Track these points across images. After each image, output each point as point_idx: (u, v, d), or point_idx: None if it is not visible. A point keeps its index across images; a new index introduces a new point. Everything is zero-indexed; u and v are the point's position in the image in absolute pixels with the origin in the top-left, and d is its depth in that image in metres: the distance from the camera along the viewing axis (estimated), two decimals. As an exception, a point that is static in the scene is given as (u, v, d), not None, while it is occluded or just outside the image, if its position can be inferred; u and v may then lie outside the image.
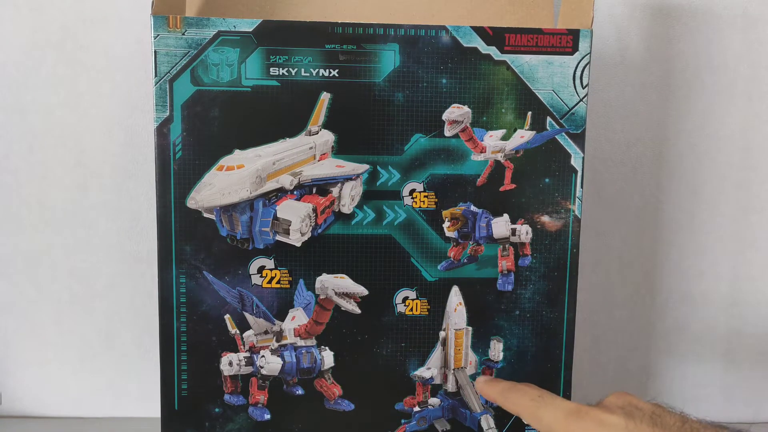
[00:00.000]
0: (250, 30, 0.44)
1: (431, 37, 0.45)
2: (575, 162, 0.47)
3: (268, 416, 0.48)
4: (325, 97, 0.45)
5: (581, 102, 0.47)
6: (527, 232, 0.47)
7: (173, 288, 0.46)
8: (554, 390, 0.49)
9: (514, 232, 0.47)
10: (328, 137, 0.46)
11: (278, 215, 0.46)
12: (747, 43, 0.62)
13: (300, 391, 0.48)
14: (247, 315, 0.47)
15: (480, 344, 0.49)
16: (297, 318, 0.47)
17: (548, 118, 0.47)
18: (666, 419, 0.35)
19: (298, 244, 0.46)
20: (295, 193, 0.46)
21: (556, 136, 0.47)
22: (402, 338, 0.48)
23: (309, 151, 0.46)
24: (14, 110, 0.59)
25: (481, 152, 0.47)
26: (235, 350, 0.47)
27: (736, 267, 0.65)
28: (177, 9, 0.47)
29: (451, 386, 0.49)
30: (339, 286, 0.47)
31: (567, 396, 0.49)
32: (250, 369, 0.47)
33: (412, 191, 0.47)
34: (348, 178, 0.46)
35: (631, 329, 0.65)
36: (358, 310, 0.47)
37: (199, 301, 0.46)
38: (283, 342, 0.47)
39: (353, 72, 0.45)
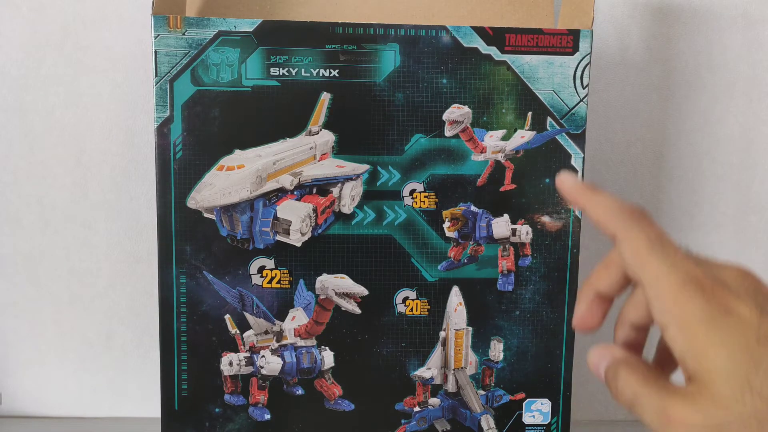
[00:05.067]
0: (251, 30, 0.44)
1: (431, 37, 0.45)
2: (575, 162, 0.47)
3: (268, 416, 0.48)
4: (325, 97, 0.45)
5: (581, 102, 0.47)
6: (527, 233, 0.47)
7: (173, 288, 0.46)
8: (554, 390, 0.49)
9: (514, 232, 0.47)
10: (328, 137, 0.46)
11: (278, 215, 0.46)
12: (747, 43, 0.62)
13: (300, 391, 0.48)
14: (247, 315, 0.47)
15: (480, 344, 0.49)
16: (297, 318, 0.47)
17: (548, 119, 0.47)
18: None
19: (299, 244, 0.46)
20: (295, 193, 0.46)
21: (556, 137, 0.47)
22: (402, 338, 0.48)
23: (309, 151, 0.46)
24: (14, 110, 0.59)
25: (482, 152, 0.47)
26: (235, 350, 0.47)
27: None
28: (177, 9, 0.47)
29: (451, 386, 0.49)
30: (339, 286, 0.47)
31: (567, 396, 0.49)
32: (250, 369, 0.47)
33: (412, 191, 0.47)
34: (348, 178, 0.46)
35: (631, 329, 0.65)
36: (358, 310, 0.47)
37: (199, 301, 0.46)
38: (283, 342, 0.47)
39: (353, 72, 0.45)
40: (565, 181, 0.34)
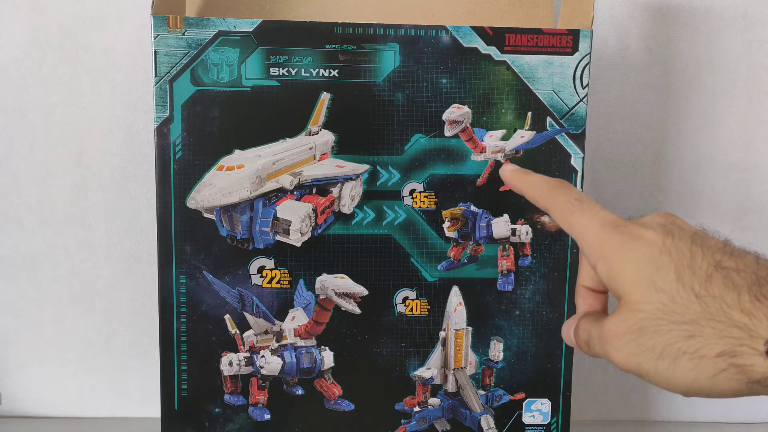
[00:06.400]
0: (250, 30, 0.44)
1: (431, 37, 0.45)
2: (575, 162, 0.47)
3: (268, 416, 0.48)
4: (325, 97, 0.45)
5: (581, 102, 0.47)
6: (527, 233, 0.47)
7: (173, 288, 0.46)
8: (554, 390, 0.49)
9: (514, 232, 0.47)
10: (328, 137, 0.46)
11: (278, 215, 0.46)
12: (747, 44, 0.62)
13: (300, 391, 0.48)
14: (247, 315, 0.47)
15: (480, 344, 0.49)
16: (297, 318, 0.47)
17: (548, 119, 0.47)
18: (708, 240, 0.32)
19: (298, 244, 0.46)
20: (295, 193, 0.46)
21: (556, 137, 0.47)
22: (402, 338, 0.48)
23: (309, 151, 0.46)
24: (14, 110, 0.59)
25: (481, 152, 0.47)
26: (235, 350, 0.47)
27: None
28: (177, 9, 0.47)
29: (451, 386, 0.49)
30: (339, 286, 0.47)
31: (567, 396, 0.49)
32: (250, 369, 0.47)
33: (412, 191, 0.47)
34: (348, 178, 0.46)
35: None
36: (358, 310, 0.47)
37: (199, 301, 0.46)
38: (283, 342, 0.47)
39: (353, 72, 0.45)
40: (505, 169, 0.42)
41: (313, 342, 0.48)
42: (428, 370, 0.48)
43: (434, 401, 0.49)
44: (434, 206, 0.47)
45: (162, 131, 0.45)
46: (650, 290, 0.31)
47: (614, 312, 0.33)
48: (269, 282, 0.47)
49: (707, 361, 0.29)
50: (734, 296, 0.29)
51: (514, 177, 0.42)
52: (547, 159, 0.47)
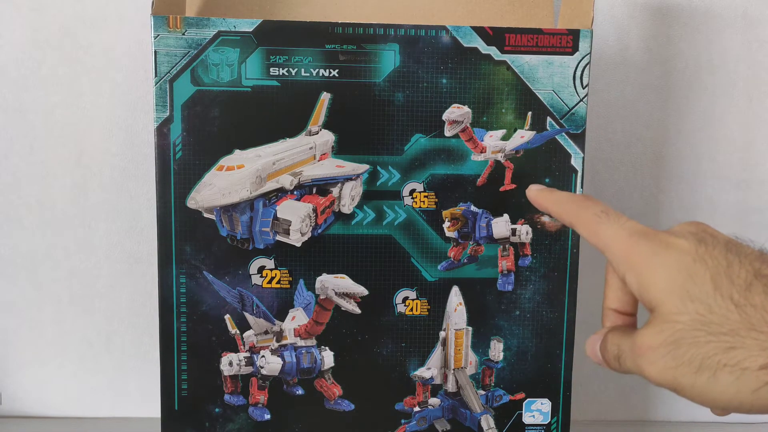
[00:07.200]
0: (250, 30, 0.44)
1: (431, 37, 0.45)
2: (575, 162, 0.47)
3: (268, 416, 0.48)
4: (325, 97, 0.45)
5: (581, 102, 0.47)
6: (527, 233, 0.47)
7: (173, 288, 0.46)
8: (554, 390, 0.49)
9: (514, 232, 0.47)
10: (328, 137, 0.46)
11: (278, 215, 0.46)
12: (747, 44, 0.62)
13: (300, 391, 0.48)
14: (247, 315, 0.47)
15: (480, 344, 0.49)
16: (297, 318, 0.47)
17: (548, 118, 0.47)
18: (743, 249, 0.31)
19: (298, 244, 0.46)
20: (295, 193, 0.46)
21: (556, 137, 0.47)
22: (402, 338, 0.48)
23: (309, 151, 0.46)
24: (14, 110, 0.59)
25: (481, 152, 0.47)
26: (235, 350, 0.47)
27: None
28: (177, 9, 0.47)
29: (451, 386, 0.49)
30: (339, 286, 0.47)
31: (567, 396, 0.49)
32: (250, 369, 0.47)
33: (412, 191, 0.47)
34: (348, 178, 0.46)
35: (631, 329, 0.65)
36: (358, 310, 0.47)
37: (199, 301, 0.46)
38: (283, 342, 0.47)
39: (353, 72, 0.45)
40: (530, 189, 0.41)
41: (313, 342, 0.48)
42: (428, 370, 0.48)
43: (434, 401, 0.49)
44: (434, 206, 0.47)
45: (162, 131, 0.45)
46: (685, 300, 0.29)
47: (647, 324, 0.31)
48: (269, 282, 0.47)
49: (749, 374, 0.28)
50: None
51: (539, 197, 0.40)
52: (547, 159, 0.47)
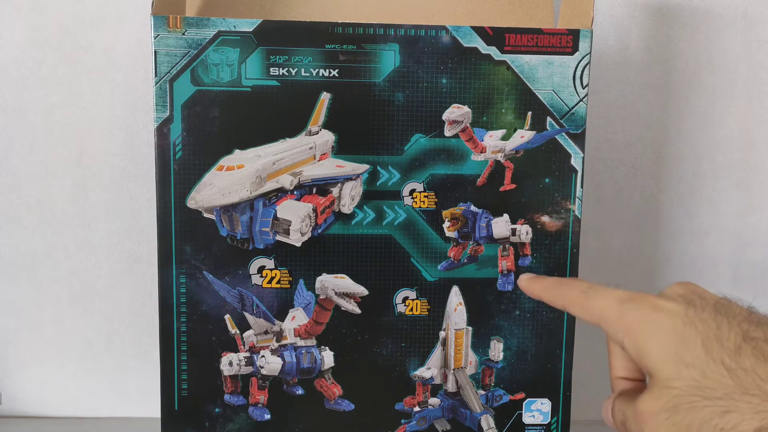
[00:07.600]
0: (250, 30, 0.44)
1: (431, 37, 0.45)
2: (575, 162, 0.47)
3: (268, 416, 0.48)
4: (325, 97, 0.45)
5: (581, 102, 0.47)
6: (527, 232, 0.47)
7: (173, 288, 0.46)
8: (554, 390, 0.49)
9: (514, 232, 0.47)
10: (328, 137, 0.46)
11: (278, 215, 0.46)
12: (747, 44, 0.62)
13: (300, 391, 0.48)
14: (247, 315, 0.47)
15: (480, 344, 0.49)
16: (297, 318, 0.47)
17: (548, 118, 0.47)
18: (732, 309, 0.32)
19: (298, 244, 0.46)
20: (295, 193, 0.46)
21: (556, 136, 0.47)
22: (402, 338, 0.48)
23: (309, 151, 0.46)
24: (14, 110, 0.59)
25: (481, 152, 0.47)
26: (235, 350, 0.47)
27: (737, 267, 0.65)
28: (177, 9, 0.47)
29: (451, 386, 0.49)
30: (339, 286, 0.47)
31: (567, 396, 0.49)
32: (250, 369, 0.47)
33: (412, 191, 0.47)
34: (348, 178, 0.46)
35: (631, 329, 0.65)
36: (358, 310, 0.47)
37: (199, 301, 0.46)
38: (283, 342, 0.47)
39: (353, 72, 0.45)
40: (521, 279, 0.44)
41: (313, 342, 0.48)
42: (428, 370, 0.48)
43: (434, 401, 0.49)
44: (434, 206, 0.47)
45: (162, 131, 0.45)
46: (679, 366, 0.30)
47: (647, 390, 0.32)
48: (269, 282, 0.47)
49: None
50: (766, 369, 0.29)
51: (530, 285, 0.42)
52: (547, 159, 0.47)
